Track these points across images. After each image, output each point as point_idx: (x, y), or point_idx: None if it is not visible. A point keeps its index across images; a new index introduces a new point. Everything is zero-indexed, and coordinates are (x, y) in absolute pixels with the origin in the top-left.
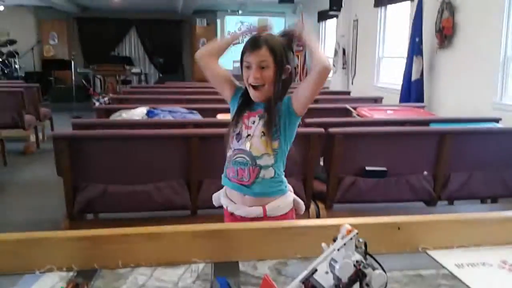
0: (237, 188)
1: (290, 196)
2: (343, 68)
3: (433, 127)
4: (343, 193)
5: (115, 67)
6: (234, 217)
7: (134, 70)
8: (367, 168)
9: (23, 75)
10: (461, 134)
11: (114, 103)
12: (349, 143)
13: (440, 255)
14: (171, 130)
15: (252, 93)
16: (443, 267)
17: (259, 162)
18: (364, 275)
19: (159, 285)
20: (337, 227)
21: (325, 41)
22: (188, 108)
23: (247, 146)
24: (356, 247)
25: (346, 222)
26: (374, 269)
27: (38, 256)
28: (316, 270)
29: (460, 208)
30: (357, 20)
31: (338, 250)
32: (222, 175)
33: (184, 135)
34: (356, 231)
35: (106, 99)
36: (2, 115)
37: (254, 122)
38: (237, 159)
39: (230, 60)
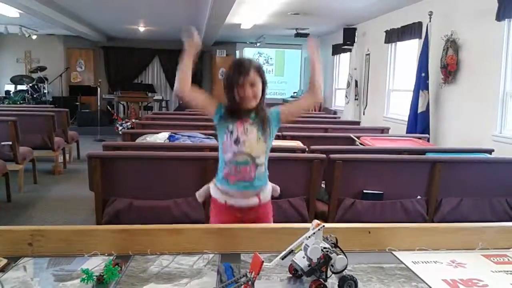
0: (237, 186)
1: (269, 184)
2: (356, 99)
3: (425, 155)
4: (343, 214)
5: (138, 94)
6: (231, 209)
7: (156, 97)
8: (365, 191)
9: (50, 99)
10: (451, 162)
11: (137, 128)
12: (348, 168)
13: (402, 255)
14: (189, 153)
15: (245, 103)
16: (402, 262)
17: (257, 161)
18: (330, 258)
19: (179, 267)
20: (326, 229)
21: (339, 73)
22: (205, 134)
23: (247, 149)
24: (327, 239)
25: (328, 226)
26: (338, 254)
27: (86, 244)
28: (292, 251)
29: None
30: (369, 55)
31: (309, 237)
32: (217, 177)
33: (201, 158)
34: (323, 224)
35: (128, 124)
36: (34, 137)
37: (247, 128)
38: (238, 159)
39: None
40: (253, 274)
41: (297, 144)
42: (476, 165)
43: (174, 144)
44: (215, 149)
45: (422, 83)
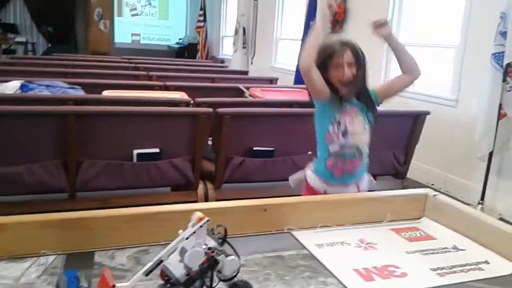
0: (342, 178)
1: (366, 174)
2: (244, 47)
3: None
4: (232, 173)
5: None
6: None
7: (19, 39)
8: (255, 148)
9: None
10: None
11: None
12: (237, 123)
13: (303, 236)
14: (44, 107)
15: (344, 90)
16: (304, 247)
17: (363, 152)
18: (217, 262)
19: None
20: (206, 211)
21: (227, 19)
22: (71, 83)
23: (355, 141)
24: (213, 232)
25: (213, 206)
26: (227, 255)
27: None
28: (161, 261)
29: None
30: (257, 1)
31: (187, 238)
32: (318, 166)
33: (60, 113)
34: (206, 219)
35: None
36: None
37: (353, 119)
38: (346, 152)
39: (128, 32)
40: None
41: (181, 95)
42: None
43: (27, 96)
44: (81, 102)
45: (310, 31)
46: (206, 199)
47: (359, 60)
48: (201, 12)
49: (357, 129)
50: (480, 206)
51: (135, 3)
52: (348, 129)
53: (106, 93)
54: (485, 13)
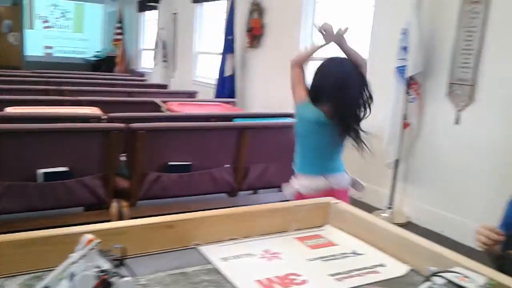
0: None
1: (294, 184)
2: (164, 61)
3: (234, 122)
4: (148, 189)
5: None
6: None
7: None
8: (170, 163)
9: None
10: (257, 128)
11: None
12: (152, 138)
13: (209, 250)
14: None
15: None
16: (209, 262)
17: None
18: (110, 284)
19: None
20: (106, 232)
21: (146, 32)
22: None
23: None
24: (109, 254)
25: (114, 226)
26: (122, 277)
27: None
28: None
29: (261, 196)
30: (176, 14)
31: (75, 263)
32: None
33: None
34: (97, 241)
35: None
36: None
37: None
38: None
39: (41, 45)
40: None
41: (93, 111)
42: (279, 130)
43: None
44: None
45: (228, 46)
46: (121, 218)
47: None
48: (119, 25)
49: None
50: (389, 210)
51: (48, 15)
52: None
53: (9, 110)
54: (389, 29)
